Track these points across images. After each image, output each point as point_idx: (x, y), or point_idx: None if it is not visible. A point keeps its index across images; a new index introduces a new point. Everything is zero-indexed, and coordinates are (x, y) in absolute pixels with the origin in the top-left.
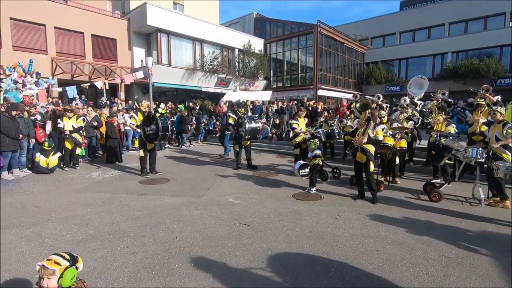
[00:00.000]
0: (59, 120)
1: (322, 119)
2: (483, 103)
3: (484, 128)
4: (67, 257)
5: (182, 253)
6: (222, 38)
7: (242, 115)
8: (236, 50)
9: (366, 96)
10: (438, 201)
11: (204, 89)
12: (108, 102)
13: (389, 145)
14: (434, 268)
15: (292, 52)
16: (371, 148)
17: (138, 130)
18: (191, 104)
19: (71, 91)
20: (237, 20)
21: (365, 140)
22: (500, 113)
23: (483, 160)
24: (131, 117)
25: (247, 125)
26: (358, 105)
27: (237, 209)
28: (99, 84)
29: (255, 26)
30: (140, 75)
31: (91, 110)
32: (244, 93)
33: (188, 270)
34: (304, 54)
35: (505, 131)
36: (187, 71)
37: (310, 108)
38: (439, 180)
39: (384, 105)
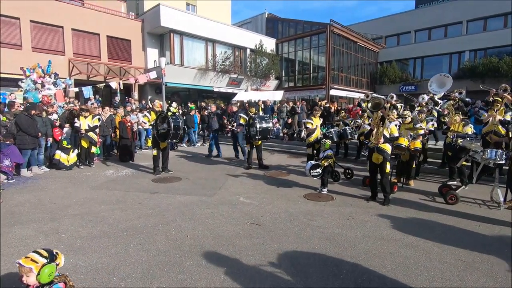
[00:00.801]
0: (75, 119)
1: (339, 118)
2: (500, 99)
3: (502, 130)
4: (45, 254)
5: (194, 251)
6: (234, 38)
7: (253, 115)
8: (248, 50)
9: (378, 96)
10: (455, 203)
11: (216, 89)
12: (117, 102)
13: (403, 145)
14: (450, 273)
15: (304, 51)
16: (388, 148)
17: (150, 127)
18: (203, 104)
19: (87, 91)
20: (249, 20)
21: (382, 140)
22: None
23: (503, 162)
24: (144, 116)
25: (258, 125)
26: (369, 105)
27: (248, 209)
28: (113, 84)
29: (267, 26)
30: (153, 75)
31: (107, 110)
32: (256, 93)
33: (199, 268)
34: (316, 53)
35: None
36: (199, 71)
37: (322, 108)
38: (455, 182)
39: (399, 105)
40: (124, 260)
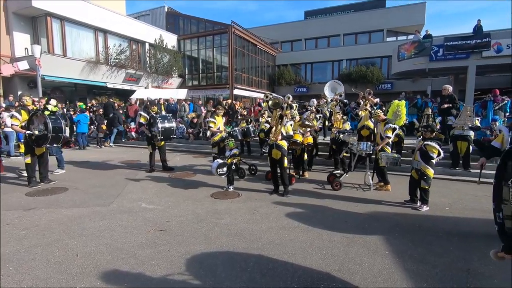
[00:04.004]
0: None
1: (244, 113)
2: (367, 104)
3: (371, 124)
4: None
5: (85, 272)
6: (130, 30)
7: (155, 114)
8: (147, 45)
9: (277, 96)
10: (339, 189)
11: (110, 85)
12: None
13: (299, 141)
14: (337, 249)
15: (207, 50)
16: (285, 144)
17: (23, 131)
18: (93, 102)
19: None
20: (147, 13)
21: (280, 137)
22: (381, 114)
23: (371, 152)
24: (12, 116)
25: (160, 125)
26: (270, 103)
27: (151, 215)
28: None
29: (167, 21)
30: (24, 65)
31: None
32: (157, 91)
33: None
34: (219, 53)
35: (384, 130)
36: (88, 64)
37: (227, 107)
38: (339, 171)
39: (294, 105)
40: None
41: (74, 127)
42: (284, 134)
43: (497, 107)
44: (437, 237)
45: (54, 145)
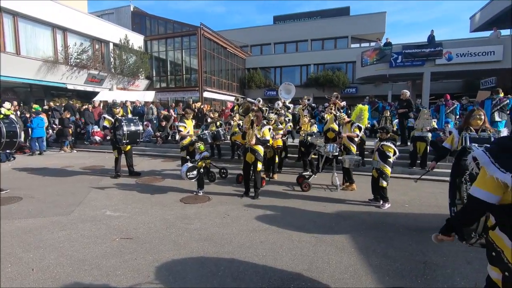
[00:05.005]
0: None
1: (214, 116)
2: (332, 106)
3: (336, 127)
4: None
5: (42, 287)
6: (93, 29)
7: (120, 117)
8: (111, 45)
9: (248, 99)
10: (308, 190)
11: (70, 87)
12: None
13: (269, 144)
14: (306, 249)
15: (176, 52)
16: (260, 149)
17: None
18: (51, 103)
19: None
20: (111, 11)
21: (254, 141)
22: (345, 117)
23: (337, 154)
24: None
25: (125, 128)
26: (241, 110)
27: (116, 223)
28: None
29: (133, 21)
30: None
31: None
32: (123, 93)
33: None
34: (188, 55)
35: (352, 129)
36: (45, 63)
37: (196, 110)
38: (308, 172)
39: (264, 108)
40: None
41: (29, 131)
42: (259, 138)
43: (448, 111)
44: (398, 233)
45: (7, 151)
